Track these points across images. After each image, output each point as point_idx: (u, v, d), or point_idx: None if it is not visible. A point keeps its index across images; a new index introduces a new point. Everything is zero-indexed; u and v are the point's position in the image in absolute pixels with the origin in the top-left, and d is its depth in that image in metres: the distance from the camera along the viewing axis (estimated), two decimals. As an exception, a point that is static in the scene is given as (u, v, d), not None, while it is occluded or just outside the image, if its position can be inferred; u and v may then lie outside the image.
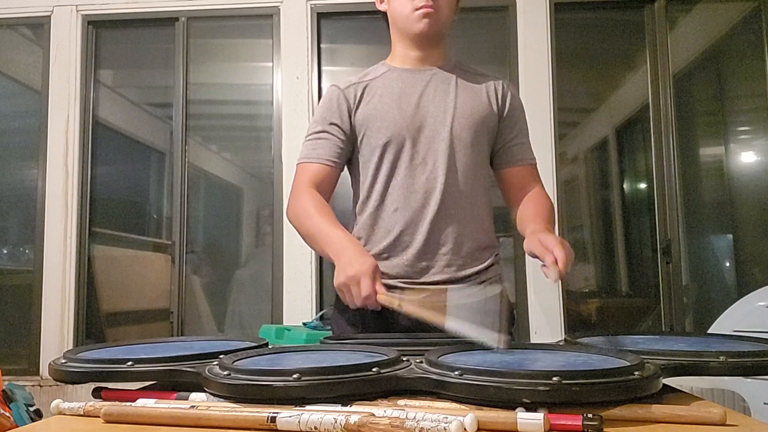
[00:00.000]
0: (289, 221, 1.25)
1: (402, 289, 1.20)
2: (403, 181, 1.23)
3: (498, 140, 1.31)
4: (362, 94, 1.27)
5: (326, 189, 1.26)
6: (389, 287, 1.20)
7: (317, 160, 1.26)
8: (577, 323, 3.19)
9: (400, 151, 1.23)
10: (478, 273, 1.25)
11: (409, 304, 1.00)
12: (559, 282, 0.90)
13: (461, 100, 1.26)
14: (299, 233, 1.23)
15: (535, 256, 1.05)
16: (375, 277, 1.04)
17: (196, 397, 0.72)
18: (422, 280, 1.22)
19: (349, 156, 1.30)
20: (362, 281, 1.02)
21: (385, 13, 1.33)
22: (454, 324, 0.90)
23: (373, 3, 1.34)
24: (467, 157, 1.24)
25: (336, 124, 1.26)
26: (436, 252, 1.22)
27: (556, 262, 0.97)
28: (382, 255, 1.23)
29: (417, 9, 1.22)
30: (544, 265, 1.00)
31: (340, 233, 1.14)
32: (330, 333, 1.41)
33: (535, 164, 1.34)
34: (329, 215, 1.18)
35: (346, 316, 1.26)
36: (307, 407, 0.64)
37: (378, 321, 1.20)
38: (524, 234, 1.17)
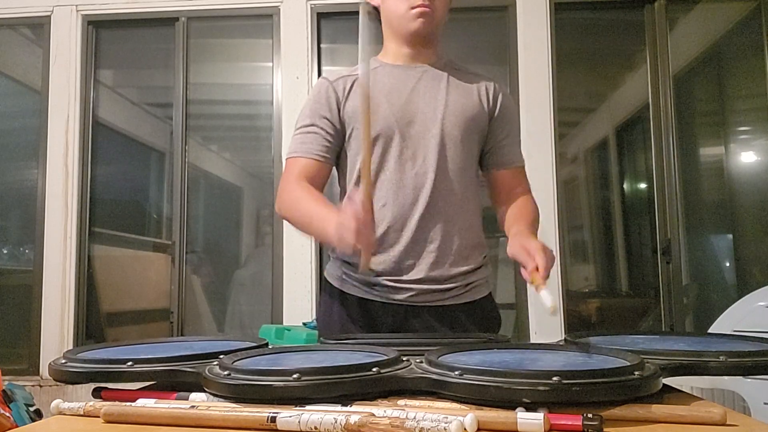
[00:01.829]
0: (280, 213, 1.23)
1: (387, 286, 1.19)
2: (392, 176, 1.20)
3: (488, 140, 1.30)
4: (351, 88, 1.25)
5: (317, 184, 1.22)
6: (373, 285, 1.20)
7: (306, 154, 1.23)
8: (577, 323, 3.19)
9: (388, 145, 1.21)
10: (465, 274, 1.23)
11: None
12: (557, 298, 0.90)
13: (452, 98, 1.25)
14: (292, 222, 1.21)
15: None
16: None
17: (196, 397, 0.72)
18: (408, 277, 1.19)
19: (338, 151, 1.28)
20: (351, 214, 0.98)
21: (376, 8, 1.29)
22: None
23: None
24: (457, 154, 1.23)
25: (325, 118, 1.24)
26: (423, 249, 1.20)
27: (537, 268, 0.98)
28: None
29: (413, 8, 1.21)
30: (523, 268, 1.01)
31: (335, 214, 1.07)
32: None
33: (524, 166, 1.33)
34: (322, 200, 1.16)
35: (334, 310, 1.25)
36: (307, 407, 0.64)
37: (364, 318, 1.21)
38: (508, 235, 1.17)
